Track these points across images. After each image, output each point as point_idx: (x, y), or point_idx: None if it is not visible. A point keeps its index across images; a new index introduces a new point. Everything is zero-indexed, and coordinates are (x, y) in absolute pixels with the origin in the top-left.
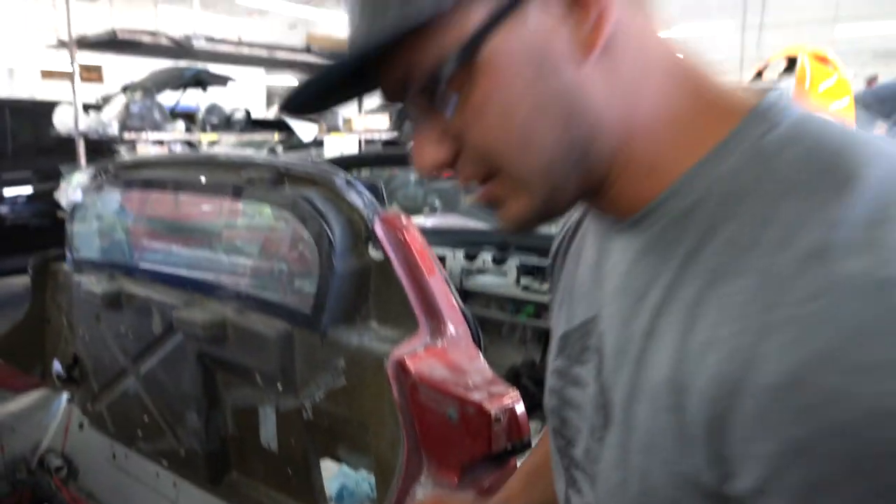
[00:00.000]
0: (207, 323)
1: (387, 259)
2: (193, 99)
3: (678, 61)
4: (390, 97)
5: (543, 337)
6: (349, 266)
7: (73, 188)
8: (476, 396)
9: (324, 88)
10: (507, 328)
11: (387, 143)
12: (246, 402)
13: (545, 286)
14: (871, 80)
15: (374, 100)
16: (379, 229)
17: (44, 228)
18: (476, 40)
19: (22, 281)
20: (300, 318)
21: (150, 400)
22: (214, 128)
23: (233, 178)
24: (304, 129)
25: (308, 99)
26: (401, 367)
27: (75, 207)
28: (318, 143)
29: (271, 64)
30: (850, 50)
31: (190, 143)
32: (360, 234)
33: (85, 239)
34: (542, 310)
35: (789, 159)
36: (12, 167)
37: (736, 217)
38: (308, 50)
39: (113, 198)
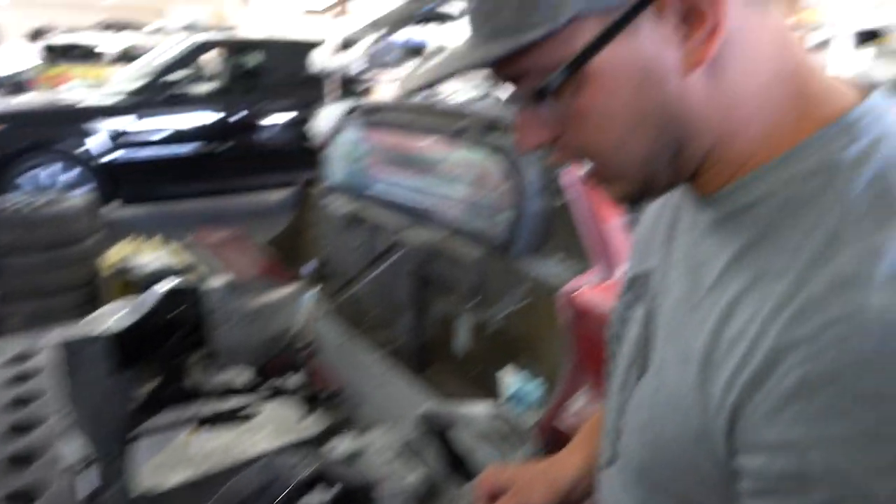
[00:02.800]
0: (423, 244)
1: (571, 205)
2: (422, 34)
3: (787, 60)
4: (505, 80)
5: None
6: (539, 207)
7: (320, 122)
8: None
9: (445, 72)
10: None
11: None
12: (446, 311)
13: None
14: None
15: None
16: (566, 178)
17: (293, 153)
18: (586, 56)
19: (276, 196)
20: (496, 246)
21: (374, 302)
22: None
23: (453, 125)
24: None
25: (428, 81)
26: (568, 299)
27: (328, 141)
28: None
29: None
30: None
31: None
32: (551, 181)
33: (334, 168)
34: None
35: (855, 179)
36: (268, 99)
37: (791, 223)
38: None
39: (357, 135)
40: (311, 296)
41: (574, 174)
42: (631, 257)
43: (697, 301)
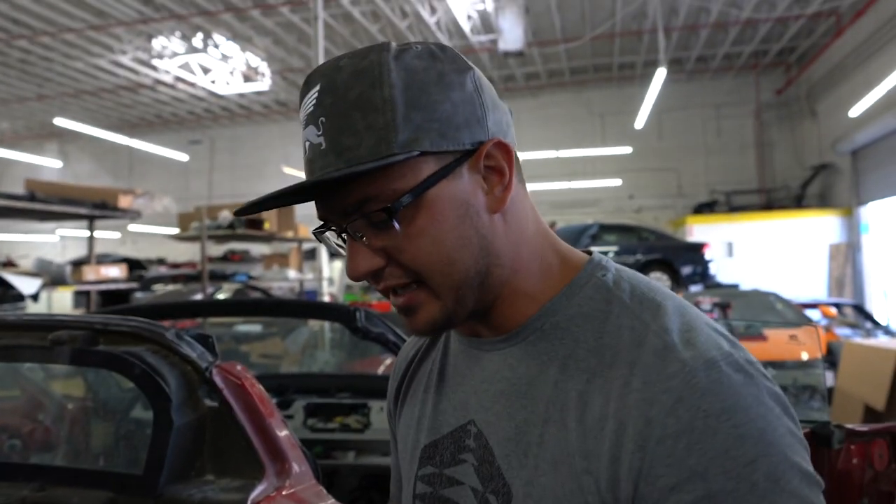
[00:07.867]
0: None
1: (227, 407)
2: None
3: (540, 222)
4: (331, 214)
5: (330, 475)
6: (186, 418)
7: None
8: None
9: (275, 200)
10: None
11: (120, 293)
12: None
13: (331, 424)
14: (552, 225)
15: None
16: (217, 378)
17: None
18: (426, 186)
19: None
20: (130, 483)
21: None
22: None
23: (36, 341)
24: (25, 283)
25: (260, 204)
26: None
27: None
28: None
29: None
30: (534, 201)
31: None
32: (195, 385)
33: None
34: (329, 448)
35: (624, 291)
36: None
37: (596, 331)
38: (33, 198)
39: None
40: None
41: (228, 371)
42: (408, 438)
43: (545, 415)
